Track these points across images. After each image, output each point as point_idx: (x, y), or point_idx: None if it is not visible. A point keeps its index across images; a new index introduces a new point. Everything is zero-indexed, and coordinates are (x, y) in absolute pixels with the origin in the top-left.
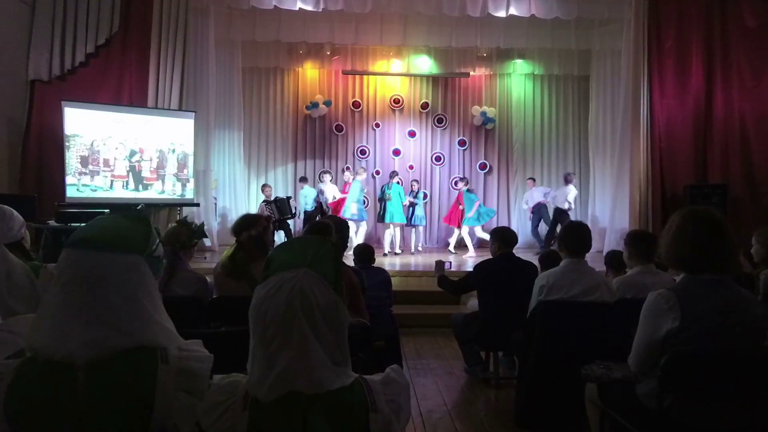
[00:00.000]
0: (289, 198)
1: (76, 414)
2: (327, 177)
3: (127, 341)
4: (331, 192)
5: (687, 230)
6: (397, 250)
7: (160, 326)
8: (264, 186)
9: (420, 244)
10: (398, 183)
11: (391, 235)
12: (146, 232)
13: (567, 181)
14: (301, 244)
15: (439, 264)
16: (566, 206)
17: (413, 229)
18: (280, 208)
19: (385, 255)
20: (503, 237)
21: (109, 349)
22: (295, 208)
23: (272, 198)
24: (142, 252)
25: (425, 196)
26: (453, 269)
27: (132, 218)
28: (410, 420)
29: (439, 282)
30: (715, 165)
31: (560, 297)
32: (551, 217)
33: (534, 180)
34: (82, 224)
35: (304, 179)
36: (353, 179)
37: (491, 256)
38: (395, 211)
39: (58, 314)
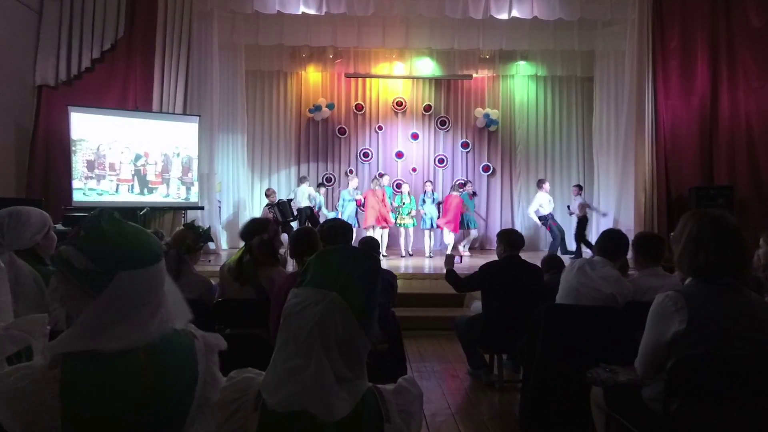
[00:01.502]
0: (290, 200)
1: (140, 397)
2: (305, 182)
3: (167, 327)
4: (304, 194)
5: (705, 237)
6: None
7: (176, 309)
8: (268, 190)
9: (431, 249)
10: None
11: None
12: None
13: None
14: (339, 259)
15: (450, 258)
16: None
17: (425, 233)
18: (283, 211)
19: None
20: (509, 239)
21: (162, 332)
22: (297, 210)
23: (275, 201)
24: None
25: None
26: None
27: (138, 225)
28: None
29: (447, 276)
30: (721, 166)
31: (569, 280)
32: (577, 225)
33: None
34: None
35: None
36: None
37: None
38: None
39: (118, 319)
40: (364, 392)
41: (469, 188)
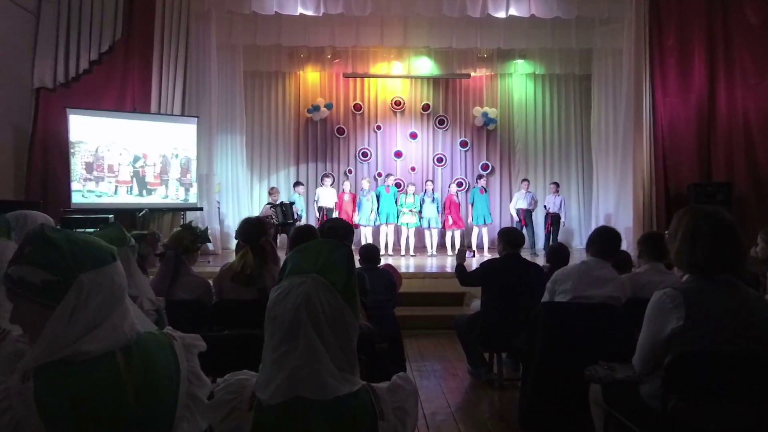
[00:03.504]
0: (292, 203)
1: (125, 400)
2: (327, 180)
3: (140, 330)
4: (330, 198)
5: (701, 232)
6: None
7: (139, 319)
8: (272, 189)
9: (434, 248)
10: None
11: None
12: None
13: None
14: (314, 249)
15: (461, 252)
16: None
17: (426, 232)
18: (285, 212)
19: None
20: (508, 238)
21: (136, 333)
22: (298, 213)
23: (278, 202)
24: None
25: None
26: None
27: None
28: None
29: (456, 269)
30: (719, 163)
31: (570, 288)
32: (547, 222)
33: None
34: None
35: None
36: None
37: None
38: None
39: (91, 324)
40: (358, 389)
41: (480, 182)
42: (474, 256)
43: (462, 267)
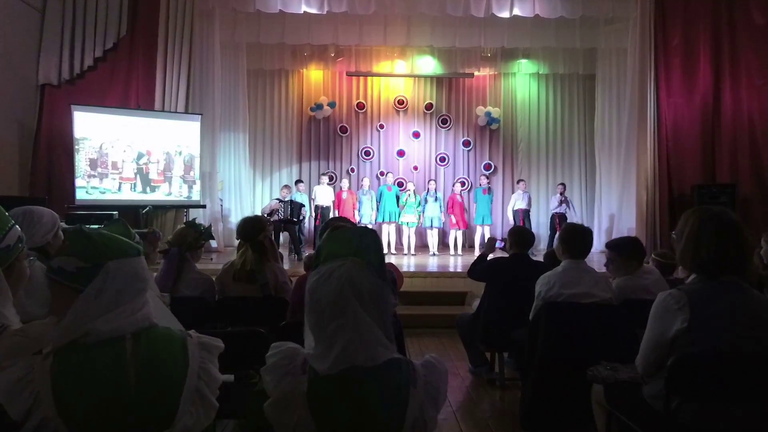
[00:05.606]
0: (302, 205)
1: (126, 385)
2: (324, 179)
3: (156, 322)
4: (327, 196)
5: (706, 232)
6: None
7: (166, 319)
8: (284, 186)
9: (436, 247)
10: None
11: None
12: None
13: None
14: (345, 236)
15: (491, 241)
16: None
17: (428, 231)
18: (294, 210)
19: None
20: (516, 238)
21: (148, 322)
22: (303, 216)
23: (287, 198)
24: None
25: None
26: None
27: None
28: None
29: (478, 257)
30: (724, 164)
31: (562, 297)
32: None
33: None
34: (94, 226)
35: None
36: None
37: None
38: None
39: (108, 307)
40: (401, 359)
41: (483, 182)
42: (504, 245)
43: (482, 258)
